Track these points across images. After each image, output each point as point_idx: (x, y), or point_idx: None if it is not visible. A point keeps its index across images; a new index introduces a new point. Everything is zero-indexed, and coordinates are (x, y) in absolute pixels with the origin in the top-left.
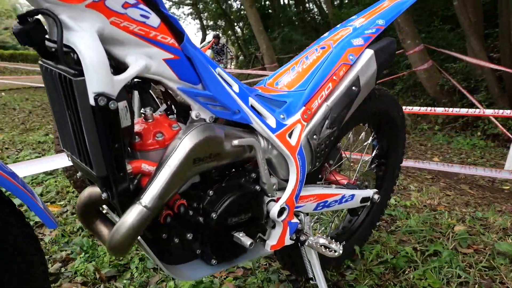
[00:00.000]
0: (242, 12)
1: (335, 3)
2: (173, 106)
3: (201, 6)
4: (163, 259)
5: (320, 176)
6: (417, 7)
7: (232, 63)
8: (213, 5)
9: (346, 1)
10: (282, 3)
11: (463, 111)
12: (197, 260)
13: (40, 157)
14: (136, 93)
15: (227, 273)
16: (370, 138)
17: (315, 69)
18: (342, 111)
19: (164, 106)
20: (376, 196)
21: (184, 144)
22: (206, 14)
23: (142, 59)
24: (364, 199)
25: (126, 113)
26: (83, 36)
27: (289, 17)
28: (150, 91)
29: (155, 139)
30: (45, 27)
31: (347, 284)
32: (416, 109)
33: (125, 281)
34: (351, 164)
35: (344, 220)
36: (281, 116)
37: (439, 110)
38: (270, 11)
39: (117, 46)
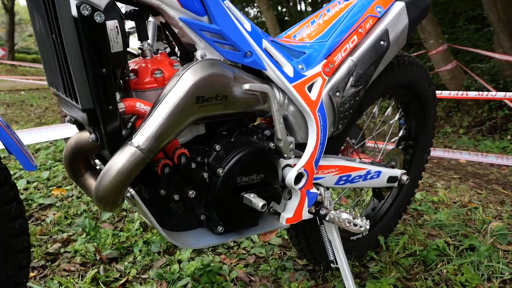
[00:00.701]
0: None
1: None
2: (177, 47)
3: None
4: (164, 225)
5: (341, 155)
6: (440, 9)
7: None
8: None
9: None
10: (299, 9)
11: (500, 94)
12: (202, 229)
13: (50, 146)
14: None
15: (238, 260)
16: (397, 116)
17: (338, 20)
18: (368, 68)
19: (167, 50)
20: (404, 177)
21: (186, 78)
22: None
23: None
24: (391, 179)
25: (116, 35)
26: None
27: None
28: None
29: (153, 76)
30: None
31: (371, 276)
32: (445, 93)
33: (126, 264)
34: (375, 145)
35: (368, 207)
36: (299, 66)
37: (472, 94)
38: (286, 18)
39: None
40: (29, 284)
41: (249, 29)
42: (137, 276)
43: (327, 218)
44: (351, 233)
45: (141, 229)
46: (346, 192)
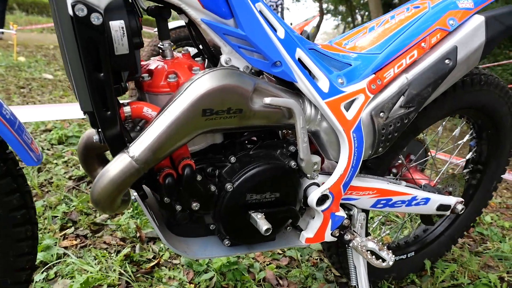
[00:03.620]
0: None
1: None
2: (203, 48)
3: None
4: (171, 228)
5: (395, 171)
6: None
7: None
8: None
9: None
10: None
11: None
12: (213, 237)
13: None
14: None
15: (271, 260)
16: (467, 136)
17: (399, 31)
18: (425, 89)
19: (194, 50)
20: (459, 206)
21: (194, 88)
22: None
23: None
24: (442, 207)
25: (122, 36)
26: None
27: None
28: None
29: (167, 80)
30: None
31: None
32: None
33: (162, 245)
34: (436, 163)
35: (419, 228)
36: (339, 81)
37: None
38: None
39: None
40: (68, 252)
41: (282, 36)
42: (169, 260)
43: (351, 244)
44: None
45: None
46: None
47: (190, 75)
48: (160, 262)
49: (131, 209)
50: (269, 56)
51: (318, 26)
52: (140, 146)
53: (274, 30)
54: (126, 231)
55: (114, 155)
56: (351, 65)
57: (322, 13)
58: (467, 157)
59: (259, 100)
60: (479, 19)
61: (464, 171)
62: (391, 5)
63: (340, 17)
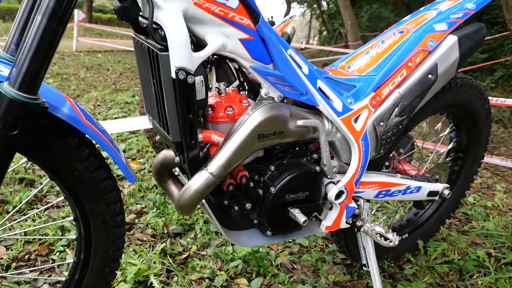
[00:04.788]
0: None
1: None
2: (245, 82)
3: None
4: (224, 224)
5: (387, 163)
6: None
7: None
8: None
9: None
10: None
11: None
12: (254, 229)
13: (126, 116)
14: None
15: (284, 247)
16: (448, 129)
17: (389, 54)
18: (414, 100)
19: (237, 82)
20: (446, 192)
21: (251, 120)
22: None
23: (219, 38)
24: (431, 193)
25: (201, 87)
26: (170, 16)
27: None
28: (229, 65)
29: (226, 112)
30: (140, 5)
31: (405, 278)
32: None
33: (188, 240)
34: (423, 154)
35: (410, 212)
36: (348, 101)
37: None
38: None
39: (199, 24)
40: None
41: (306, 72)
42: (197, 252)
43: (361, 230)
44: None
45: (202, 209)
46: None
47: (242, 107)
48: (190, 254)
49: (155, 209)
50: (298, 88)
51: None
52: (215, 164)
53: (300, 67)
54: (155, 228)
55: (192, 171)
56: (355, 86)
57: (289, 1)
58: (449, 146)
59: (294, 123)
60: (453, 39)
61: (447, 159)
62: None
63: (306, 4)
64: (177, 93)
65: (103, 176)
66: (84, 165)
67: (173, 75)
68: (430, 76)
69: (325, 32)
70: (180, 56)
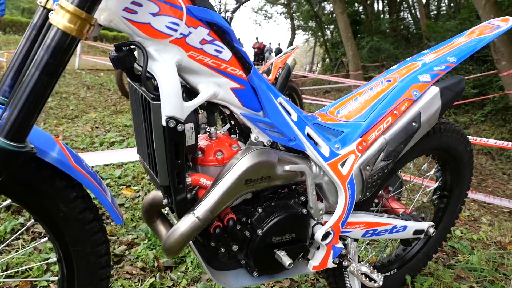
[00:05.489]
0: (333, 16)
1: (432, 14)
2: (236, 127)
3: (294, 7)
4: (211, 264)
5: (376, 201)
6: None
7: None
8: (305, 6)
9: (443, 12)
10: (376, 9)
11: None
12: (241, 269)
13: (123, 140)
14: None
15: (274, 282)
16: (433, 170)
17: (376, 102)
18: (398, 146)
19: (228, 126)
20: (431, 230)
21: (239, 166)
22: (298, 14)
23: (211, 87)
24: (417, 232)
25: (191, 133)
26: (164, 67)
27: (381, 25)
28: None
29: (216, 156)
30: (135, 54)
31: None
32: (499, 143)
33: (179, 273)
34: (410, 192)
35: (399, 247)
36: (336, 146)
37: None
38: (362, 16)
39: (192, 74)
40: None
41: (295, 119)
42: (187, 286)
43: (348, 269)
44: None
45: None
46: None
47: (231, 151)
48: None
49: (146, 240)
50: (287, 135)
51: (291, 42)
52: (202, 209)
53: (289, 114)
54: (145, 261)
55: (179, 214)
56: (343, 132)
57: (293, 29)
58: (434, 186)
59: (281, 167)
60: (435, 90)
61: (433, 197)
62: (358, 22)
63: (310, 32)
64: (166, 140)
65: (89, 218)
66: (70, 207)
67: (164, 123)
68: (414, 123)
69: (328, 60)
70: (171, 106)
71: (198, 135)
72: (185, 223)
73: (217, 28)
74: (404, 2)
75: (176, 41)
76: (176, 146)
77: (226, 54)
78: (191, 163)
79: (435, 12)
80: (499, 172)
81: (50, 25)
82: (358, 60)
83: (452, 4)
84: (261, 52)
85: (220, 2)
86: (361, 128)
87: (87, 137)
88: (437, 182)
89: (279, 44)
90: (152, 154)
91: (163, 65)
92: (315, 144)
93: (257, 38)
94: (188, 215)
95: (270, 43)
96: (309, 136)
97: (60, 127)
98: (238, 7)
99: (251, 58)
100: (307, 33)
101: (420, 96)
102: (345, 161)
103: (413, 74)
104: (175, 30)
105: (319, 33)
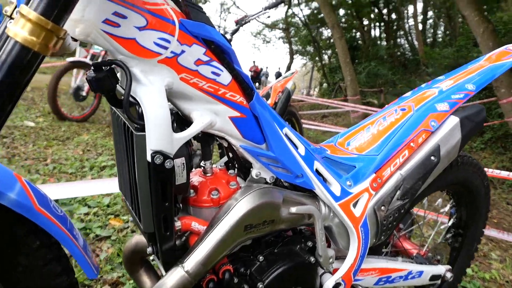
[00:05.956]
0: (331, 41)
1: (428, 40)
2: (234, 160)
3: (292, 32)
4: None
5: (387, 241)
6: None
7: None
8: (304, 31)
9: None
10: (373, 35)
11: None
12: None
13: (115, 165)
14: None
15: None
16: (448, 206)
17: (391, 133)
18: (416, 183)
19: (225, 159)
20: (448, 274)
21: (238, 209)
22: (296, 39)
23: (207, 116)
24: (434, 277)
25: (182, 170)
26: (150, 92)
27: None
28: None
29: (210, 196)
30: (118, 75)
31: None
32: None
33: None
34: (423, 231)
35: None
36: (348, 183)
37: None
38: (359, 42)
39: (184, 100)
40: None
41: (302, 153)
42: None
43: None
44: None
45: None
46: None
47: (229, 190)
48: None
49: (132, 280)
50: (293, 171)
51: (289, 67)
52: (192, 261)
53: (296, 147)
54: None
55: (165, 265)
56: (355, 166)
57: (292, 53)
58: (449, 223)
59: (286, 209)
60: (455, 120)
61: (448, 235)
62: (356, 47)
63: (308, 57)
64: (152, 178)
65: (56, 271)
66: (31, 259)
67: (149, 159)
68: (432, 158)
69: (325, 84)
70: (158, 138)
71: (191, 171)
72: (172, 278)
73: (215, 46)
74: (400, 29)
75: (166, 60)
76: (164, 185)
77: (225, 77)
78: (181, 205)
79: (431, 39)
80: (502, 202)
81: (8, 37)
82: (356, 85)
83: (447, 32)
84: (257, 76)
85: (219, 26)
86: (375, 162)
87: (77, 161)
88: (452, 219)
89: (279, 68)
90: (135, 194)
91: (150, 89)
92: (324, 181)
93: (254, 62)
94: (177, 268)
95: (267, 67)
96: (318, 173)
97: (50, 149)
98: (237, 29)
99: None
100: (305, 57)
101: (439, 127)
102: (358, 200)
103: (429, 103)
104: (166, 48)
105: (317, 58)
